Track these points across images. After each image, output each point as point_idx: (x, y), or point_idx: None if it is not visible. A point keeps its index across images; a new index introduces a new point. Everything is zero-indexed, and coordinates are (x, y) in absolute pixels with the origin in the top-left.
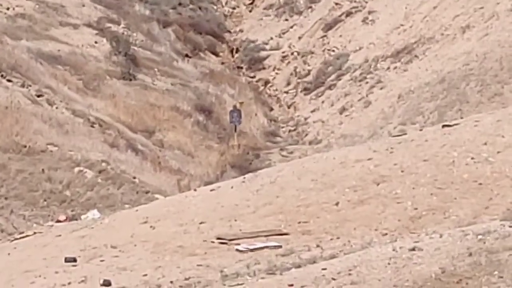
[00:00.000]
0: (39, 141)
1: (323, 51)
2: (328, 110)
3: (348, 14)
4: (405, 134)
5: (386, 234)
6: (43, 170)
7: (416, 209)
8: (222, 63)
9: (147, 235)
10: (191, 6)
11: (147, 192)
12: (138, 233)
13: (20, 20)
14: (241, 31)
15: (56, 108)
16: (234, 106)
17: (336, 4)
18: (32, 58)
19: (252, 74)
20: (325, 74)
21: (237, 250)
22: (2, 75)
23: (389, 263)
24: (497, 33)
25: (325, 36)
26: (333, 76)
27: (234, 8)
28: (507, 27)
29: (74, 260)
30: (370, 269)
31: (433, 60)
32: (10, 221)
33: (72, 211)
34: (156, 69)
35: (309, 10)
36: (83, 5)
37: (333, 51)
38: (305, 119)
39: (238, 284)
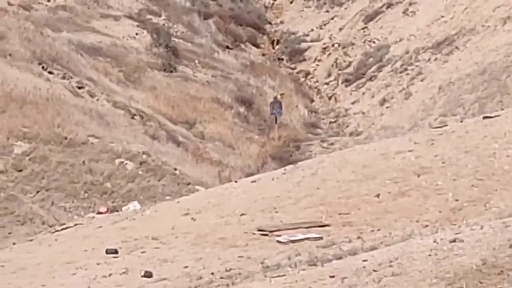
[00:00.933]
0: (80, 133)
1: (364, 42)
2: (368, 101)
3: (389, 5)
4: (446, 125)
5: (427, 225)
6: (84, 162)
7: (457, 200)
8: (263, 55)
9: (188, 227)
10: None
11: (188, 184)
12: (179, 225)
13: (61, 12)
14: (281, 22)
15: (97, 100)
16: (275, 98)
17: None
18: (73, 50)
19: (292, 66)
20: (365, 66)
21: (278, 241)
22: (43, 67)
23: (430, 255)
24: None
25: (365, 27)
26: (373, 68)
27: (274, 0)
28: None
29: (115, 251)
30: (411, 260)
31: (474, 52)
32: (51, 212)
33: (113, 202)
34: (196, 61)
35: (350, 1)
36: None
37: (374, 42)
38: (346, 110)
39: (279, 276)
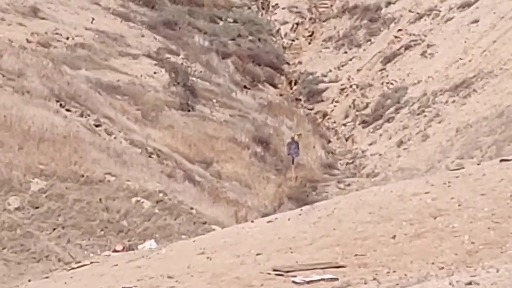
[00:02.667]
0: (97, 170)
1: (382, 84)
2: (386, 143)
3: (407, 47)
4: (463, 168)
5: (442, 267)
6: (100, 199)
7: (473, 243)
8: (281, 95)
9: (204, 266)
10: (250, 37)
11: (204, 223)
12: (195, 264)
13: (79, 50)
14: (299, 63)
15: (115, 138)
16: (292, 138)
17: (395, 37)
18: (91, 88)
19: (310, 106)
20: (383, 107)
21: (293, 282)
22: (61, 105)
23: None
24: None
25: (383, 69)
26: (391, 109)
27: (293, 40)
28: None
29: None
30: None
31: (492, 94)
32: (67, 250)
33: (129, 241)
34: (214, 100)
35: (368, 43)
36: (143, 36)
37: (392, 84)
38: (363, 151)
39: None
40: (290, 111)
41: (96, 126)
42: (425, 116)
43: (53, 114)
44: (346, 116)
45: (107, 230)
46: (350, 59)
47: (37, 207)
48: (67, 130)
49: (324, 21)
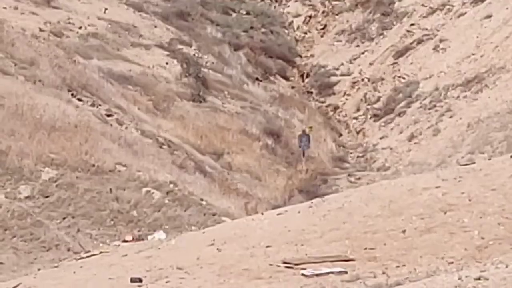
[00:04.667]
0: (108, 160)
1: (394, 78)
2: (397, 137)
3: (420, 41)
4: (474, 163)
5: (452, 262)
6: (111, 189)
7: (483, 238)
8: (292, 88)
9: (213, 258)
10: (263, 30)
11: (214, 215)
12: (204, 255)
13: (92, 40)
14: (312, 56)
15: (126, 128)
16: (303, 131)
17: (408, 31)
18: (102, 78)
19: (322, 99)
20: (395, 101)
21: (302, 274)
22: (72, 94)
23: None
24: None
25: (396, 63)
26: (402, 103)
27: (305, 33)
28: None
29: (140, 280)
30: None
31: (503, 90)
32: (77, 239)
33: (138, 231)
34: (226, 92)
35: (381, 36)
36: (155, 26)
37: (404, 78)
38: (374, 145)
39: None
40: (301, 103)
41: (108, 116)
42: (436, 110)
43: (65, 103)
44: (358, 110)
45: (117, 220)
46: (362, 53)
47: (47, 196)
48: (78, 120)
49: (336, 14)
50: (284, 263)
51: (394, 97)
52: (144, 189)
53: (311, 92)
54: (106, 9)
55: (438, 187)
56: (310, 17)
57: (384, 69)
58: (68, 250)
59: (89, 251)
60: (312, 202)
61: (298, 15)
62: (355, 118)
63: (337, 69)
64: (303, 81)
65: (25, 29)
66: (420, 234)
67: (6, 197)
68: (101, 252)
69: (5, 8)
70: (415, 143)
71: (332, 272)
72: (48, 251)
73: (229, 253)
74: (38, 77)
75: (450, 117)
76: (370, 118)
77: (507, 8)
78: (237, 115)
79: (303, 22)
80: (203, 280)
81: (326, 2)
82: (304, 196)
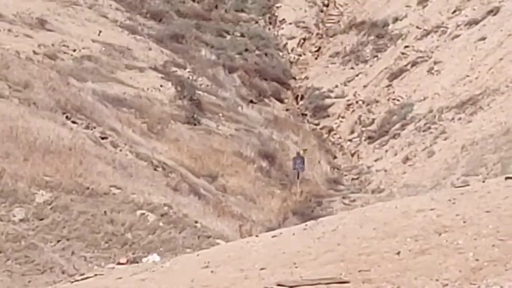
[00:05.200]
0: (102, 183)
1: (388, 100)
2: (391, 159)
3: (414, 63)
4: (468, 185)
5: (447, 284)
6: (105, 212)
7: (477, 260)
8: (287, 110)
9: (208, 280)
10: (257, 52)
11: (208, 237)
12: (199, 278)
13: (86, 62)
14: (306, 78)
15: (120, 150)
16: (298, 153)
17: (402, 53)
18: (97, 100)
19: (316, 122)
20: (389, 123)
21: None
22: (67, 117)
23: None
24: None
25: (390, 85)
26: (397, 125)
27: (300, 55)
28: None
29: None
30: None
31: (498, 112)
32: (71, 262)
33: (133, 254)
34: (220, 114)
35: (375, 59)
36: (150, 49)
37: (398, 100)
38: (368, 167)
39: None
40: (296, 126)
41: (102, 138)
42: (431, 132)
43: (59, 126)
44: (352, 132)
45: (112, 242)
46: (357, 75)
47: (41, 219)
48: (73, 142)
49: (331, 37)
50: (279, 285)
51: (388, 119)
52: (139, 212)
53: (306, 114)
54: (100, 31)
55: (432, 209)
56: (304, 39)
57: (378, 91)
58: (63, 272)
59: (83, 274)
60: (306, 224)
61: (292, 37)
62: (350, 140)
63: (332, 91)
64: (297, 103)
65: (19, 52)
66: (415, 256)
67: (0, 220)
68: (95, 275)
69: None
70: (409, 165)
71: None
72: (42, 273)
73: (223, 275)
74: (33, 99)
75: (445, 139)
76: (365, 140)
77: (501, 30)
78: (231, 138)
79: (298, 44)
80: None
81: (320, 25)
82: (299, 218)
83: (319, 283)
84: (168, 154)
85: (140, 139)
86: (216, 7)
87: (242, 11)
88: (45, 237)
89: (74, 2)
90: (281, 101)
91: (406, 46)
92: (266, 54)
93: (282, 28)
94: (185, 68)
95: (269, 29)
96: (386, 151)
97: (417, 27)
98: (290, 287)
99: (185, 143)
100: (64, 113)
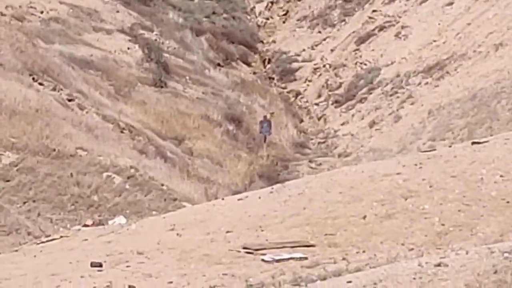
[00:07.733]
0: (69, 145)
1: (355, 64)
2: (358, 123)
3: (381, 28)
4: (435, 150)
5: (412, 249)
6: (71, 174)
7: (443, 225)
8: (254, 73)
9: (174, 243)
10: (224, 15)
11: (174, 200)
12: (165, 240)
13: (53, 24)
14: (273, 42)
15: (87, 112)
16: (265, 117)
17: (370, 18)
18: (64, 62)
19: (283, 85)
20: (356, 88)
21: (262, 260)
22: (34, 78)
23: (414, 278)
24: None
25: (357, 49)
26: (364, 90)
27: (267, 19)
28: None
29: (100, 265)
30: (395, 283)
31: (465, 77)
32: (37, 224)
33: (99, 216)
34: (187, 77)
35: (343, 23)
36: (117, 11)
37: (365, 64)
38: (335, 131)
39: None
40: (263, 89)
41: (69, 100)
42: (397, 97)
43: (26, 88)
44: (319, 96)
45: (78, 204)
46: (324, 39)
47: (8, 180)
48: (39, 104)
49: (299, 0)
50: (244, 248)
51: (355, 84)
52: (105, 174)
53: (273, 78)
54: None
55: (399, 174)
56: (272, 2)
57: (345, 55)
58: (29, 234)
59: (49, 236)
60: (272, 188)
61: (260, 1)
62: (317, 104)
63: (299, 55)
64: (264, 67)
65: None
66: (381, 220)
67: None
68: (61, 237)
69: None
70: (376, 130)
71: (292, 258)
72: (8, 235)
73: (189, 238)
74: None
75: (412, 103)
76: (332, 104)
77: None
78: (198, 101)
79: (265, 8)
80: (163, 265)
81: None
82: (265, 181)
83: (285, 246)
84: (135, 117)
85: (107, 101)
86: None
87: None
88: (11, 198)
89: None
90: (249, 64)
91: (374, 11)
92: (233, 18)
93: None
94: (152, 31)
95: None
96: (353, 115)
97: None
98: (255, 250)
99: (152, 105)
100: (31, 75)
